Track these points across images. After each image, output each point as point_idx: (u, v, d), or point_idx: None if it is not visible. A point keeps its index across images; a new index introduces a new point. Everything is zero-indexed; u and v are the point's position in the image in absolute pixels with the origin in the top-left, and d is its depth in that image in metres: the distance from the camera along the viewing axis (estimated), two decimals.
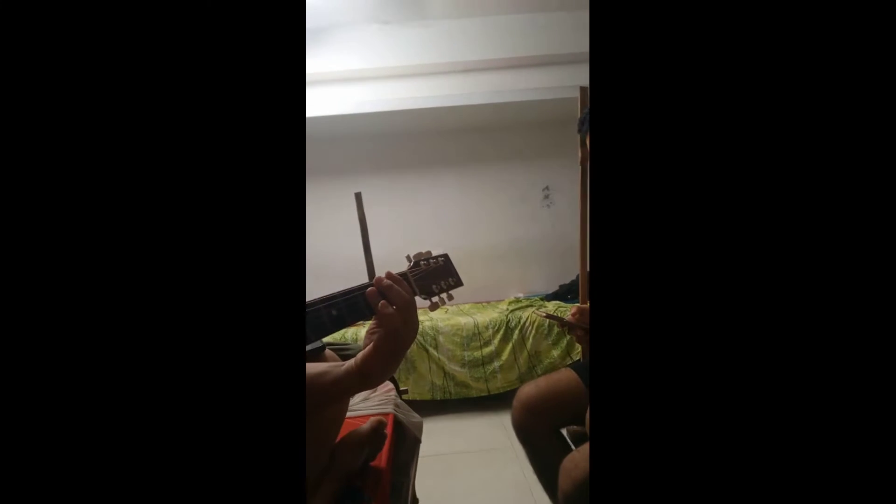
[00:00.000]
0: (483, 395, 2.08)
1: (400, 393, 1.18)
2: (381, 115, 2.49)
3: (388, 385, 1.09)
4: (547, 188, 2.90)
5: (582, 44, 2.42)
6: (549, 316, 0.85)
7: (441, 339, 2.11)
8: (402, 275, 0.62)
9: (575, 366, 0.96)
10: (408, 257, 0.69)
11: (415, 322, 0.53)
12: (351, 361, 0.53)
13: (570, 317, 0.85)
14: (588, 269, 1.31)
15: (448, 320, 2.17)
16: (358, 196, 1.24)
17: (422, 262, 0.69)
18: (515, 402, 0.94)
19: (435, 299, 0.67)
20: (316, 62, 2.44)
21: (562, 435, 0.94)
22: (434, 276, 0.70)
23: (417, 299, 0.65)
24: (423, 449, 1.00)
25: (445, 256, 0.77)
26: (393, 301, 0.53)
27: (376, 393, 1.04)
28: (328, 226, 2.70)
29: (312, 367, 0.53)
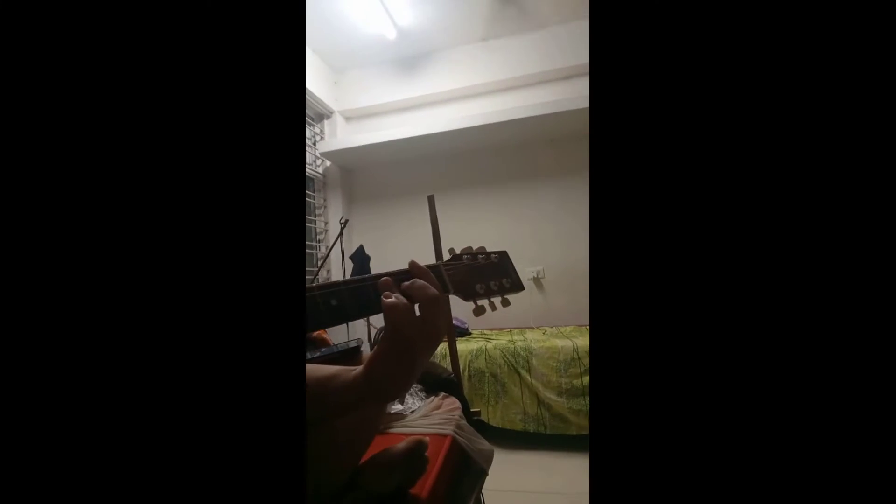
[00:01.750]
0: (584, 433, 1.80)
1: (471, 414, 1.06)
2: (460, 133, 2.49)
3: (455, 403, 0.98)
4: None
5: None
6: None
7: (534, 361, 1.91)
8: (432, 267, 0.53)
9: None
10: (450, 250, 0.59)
11: (434, 325, 0.42)
12: (359, 367, 0.44)
13: None
14: None
15: (543, 342, 1.97)
16: (430, 199, 1.19)
17: (465, 257, 0.58)
18: None
19: (481, 301, 0.56)
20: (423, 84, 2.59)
21: None
22: (480, 274, 0.58)
23: (461, 302, 0.55)
24: (504, 482, 0.86)
25: (502, 254, 0.65)
26: (413, 295, 0.43)
27: (439, 410, 0.94)
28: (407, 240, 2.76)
29: (322, 370, 0.45)
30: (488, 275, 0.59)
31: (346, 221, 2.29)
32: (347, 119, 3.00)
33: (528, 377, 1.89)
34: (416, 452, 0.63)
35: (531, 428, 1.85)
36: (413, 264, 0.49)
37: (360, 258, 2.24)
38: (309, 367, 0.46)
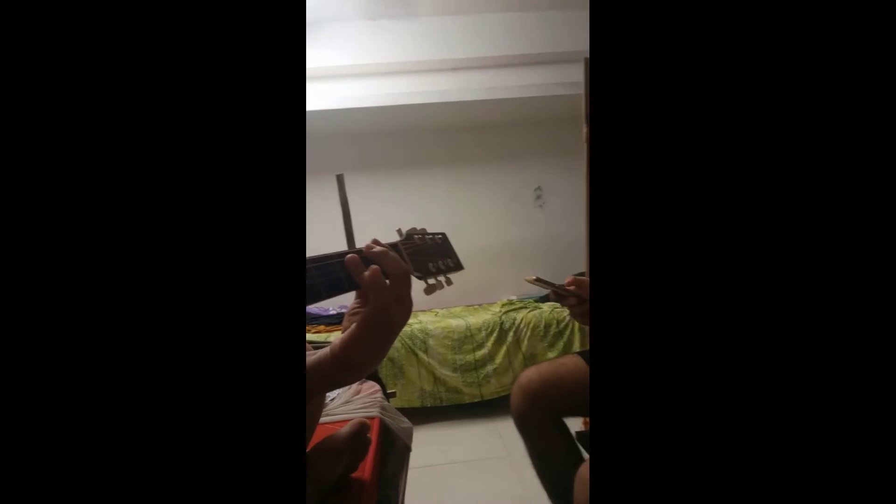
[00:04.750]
0: (476, 401, 1.96)
1: (388, 395, 1.07)
2: (368, 112, 2.40)
3: (375, 386, 0.98)
4: (539, 188, 2.84)
5: (572, 42, 2.39)
6: (538, 280, 0.74)
7: (431, 342, 1.99)
8: (393, 245, 0.52)
9: (582, 353, 0.87)
10: (398, 231, 0.59)
11: (408, 301, 0.42)
12: (325, 349, 0.41)
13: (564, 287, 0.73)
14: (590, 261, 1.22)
15: (438, 323, 2.06)
16: (340, 178, 1.14)
17: (416, 237, 0.59)
18: (515, 388, 0.85)
19: (432, 280, 0.57)
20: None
21: (564, 425, 0.84)
22: (430, 253, 0.59)
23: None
24: (412, 460, 0.89)
25: (443, 235, 0.67)
26: (386, 272, 0.42)
27: (360, 395, 0.93)
28: (308, 226, 2.58)
29: None
30: (436, 254, 0.61)
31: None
32: None
33: (426, 357, 1.96)
34: (360, 435, 0.61)
35: (428, 403, 1.94)
36: (376, 241, 0.48)
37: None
38: None
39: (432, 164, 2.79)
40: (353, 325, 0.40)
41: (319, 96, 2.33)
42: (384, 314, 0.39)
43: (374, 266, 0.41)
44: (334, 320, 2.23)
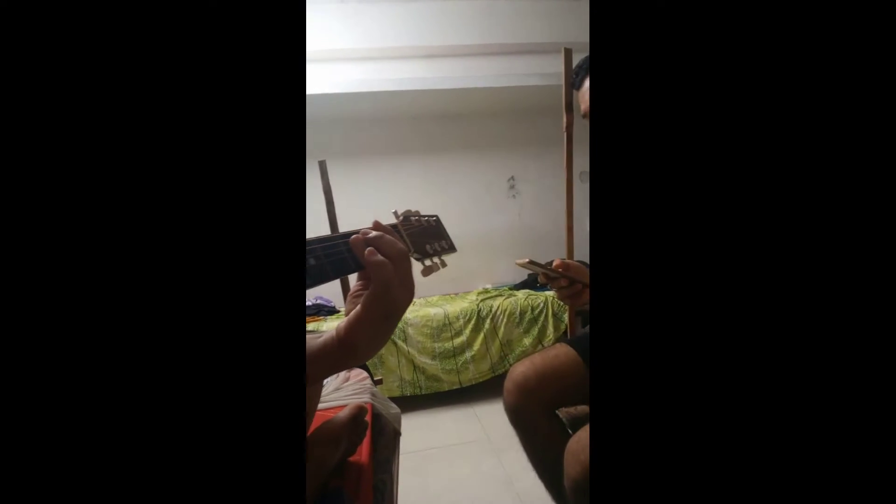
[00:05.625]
0: (455, 387, 1.99)
1: (375, 382, 1.07)
2: (339, 98, 2.34)
3: (363, 373, 0.97)
4: (512, 178, 2.88)
5: (551, 33, 2.41)
6: (530, 262, 0.74)
7: (410, 331, 2.00)
8: (393, 227, 0.52)
9: (569, 340, 0.90)
10: (395, 213, 0.58)
11: (410, 282, 0.42)
12: (330, 331, 0.41)
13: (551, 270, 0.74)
14: (570, 250, 1.25)
15: (417, 311, 2.07)
16: (322, 164, 1.11)
17: (412, 218, 0.59)
18: (508, 384, 0.85)
19: (428, 262, 0.57)
20: None
21: (558, 416, 0.86)
22: (427, 235, 0.60)
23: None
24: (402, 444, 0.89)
25: (437, 217, 0.67)
26: (385, 252, 0.42)
27: (349, 381, 0.92)
28: None
29: None
30: (432, 236, 0.61)
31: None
32: None
33: (405, 346, 1.96)
34: (358, 419, 0.61)
35: (408, 392, 1.95)
36: (377, 224, 0.48)
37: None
38: None
39: (408, 152, 2.76)
40: (358, 307, 0.40)
41: None
42: (387, 294, 0.39)
43: (370, 247, 0.41)
44: (311, 311, 2.19)
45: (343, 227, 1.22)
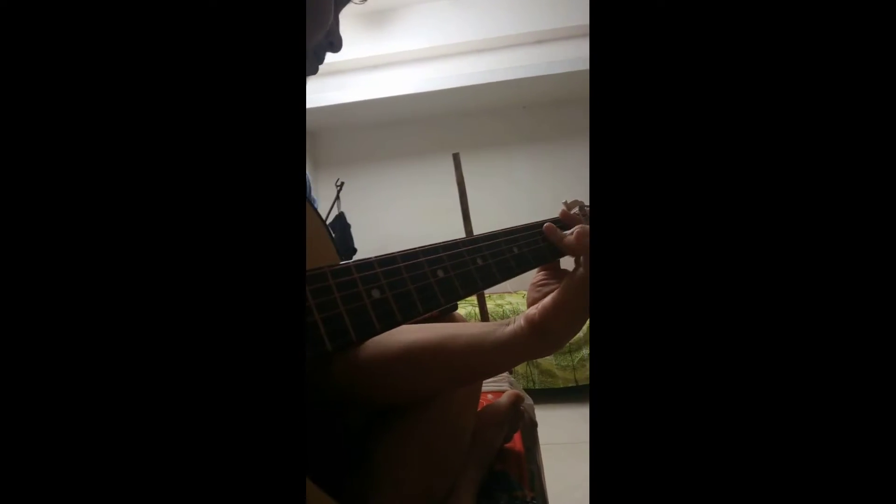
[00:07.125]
0: (570, 385, 1.91)
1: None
2: (467, 91, 2.40)
3: None
4: None
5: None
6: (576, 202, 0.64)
7: None
8: (584, 213, 0.50)
9: None
10: (565, 203, 0.56)
11: None
12: (519, 318, 0.40)
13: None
14: None
15: None
16: (456, 157, 1.14)
17: (585, 207, 0.56)
18: None
19: None
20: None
21: None
22: None
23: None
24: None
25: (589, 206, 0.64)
26: (584, 241, 0.41)
27: None
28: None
29: (467, 328, 0.41)
30: None
31: (342, 184, 2.12)
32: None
33: None
34: (517, 405, 0.61)
35: (519, 385, 1.92)
36: (565, 213, 0.48)
37: (342, 227, 2.11)
38: (430, 328, 0.42)
39: (514, 143, 2.72)
40: (557, 292, 0.39)
41: (402, 81, 2.37)
42: (585, 280, 0.37)
43: (583, 225, 0.40)
44: None
45: (475, 220, 1.23)
